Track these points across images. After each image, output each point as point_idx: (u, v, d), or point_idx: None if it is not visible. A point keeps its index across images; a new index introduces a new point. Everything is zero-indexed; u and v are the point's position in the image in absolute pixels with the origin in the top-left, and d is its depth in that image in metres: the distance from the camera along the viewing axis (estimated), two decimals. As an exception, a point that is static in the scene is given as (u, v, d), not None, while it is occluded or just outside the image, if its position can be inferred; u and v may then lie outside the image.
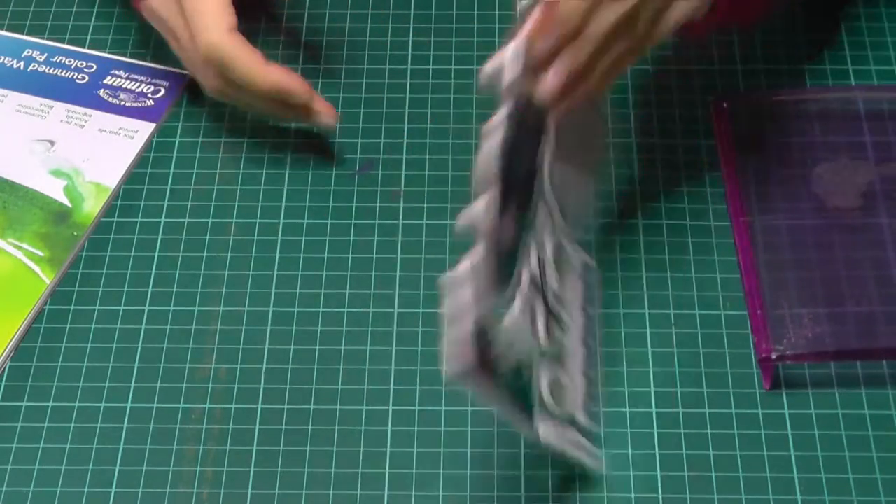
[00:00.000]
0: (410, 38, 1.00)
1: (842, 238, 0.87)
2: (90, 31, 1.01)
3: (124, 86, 0.98)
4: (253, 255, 0.89)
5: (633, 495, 0.79)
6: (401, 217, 0.91)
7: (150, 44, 1.00)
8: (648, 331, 0.85)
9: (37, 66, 1.00)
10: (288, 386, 0.83)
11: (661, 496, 0.78)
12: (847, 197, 0.89)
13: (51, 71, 0.99)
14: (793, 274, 0.85)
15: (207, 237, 0.90)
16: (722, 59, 0.98)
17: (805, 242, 0.87)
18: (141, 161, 0.94)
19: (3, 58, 1.00)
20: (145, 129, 0.96)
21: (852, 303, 0.84)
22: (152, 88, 0.98)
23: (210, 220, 0.91)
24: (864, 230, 0.87)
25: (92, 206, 0.92)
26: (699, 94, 0.96)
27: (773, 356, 0.81)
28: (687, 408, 0.82)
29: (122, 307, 0.87)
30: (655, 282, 0.87)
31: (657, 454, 0.80)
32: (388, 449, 0.81)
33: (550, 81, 0.74)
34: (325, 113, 0.91)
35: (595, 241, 0.89)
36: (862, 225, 0.87)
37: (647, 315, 0.86)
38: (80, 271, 0.89)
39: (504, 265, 0.70)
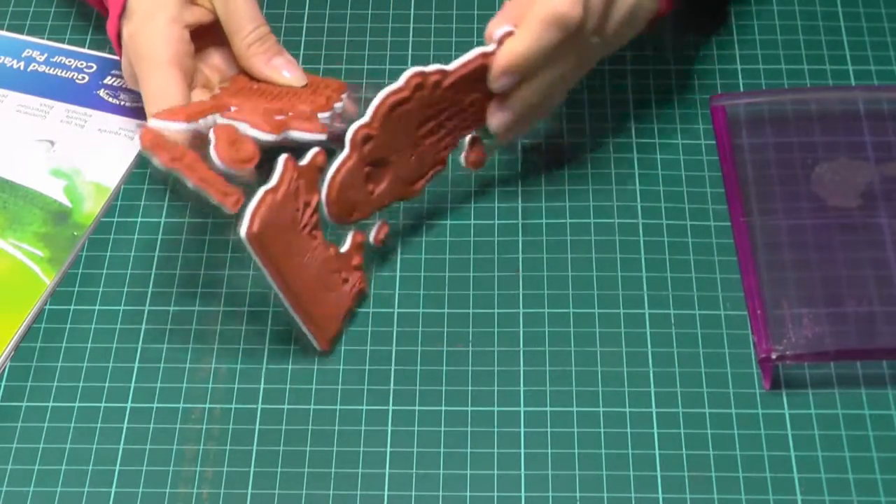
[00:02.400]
0: (410, 38, 1.00)
1: (842, 238, 0.87)
2: (90, 31, 1.01)
3: (124, 86, 0.98)
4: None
5: (632, 495, 0.79)
6: (400, 217, 0.91)
7: (150, 44, 1.00)
8: (648, 331, 0.85)
9: (37, 66, 1.00)
10: (288, 386, 0.83)
11: (661, 496, 0.78)
12: (847, 197, 0.89)
13: (51, 71, 0.99)
14: (793, 274, 0.85)
15: (207, 237, 0.90)
16: (722, 59, 0.98)
17: (805, 242, 0.87)
18: (141, 161, 0.94)
19: (3, 58, 1.00)
20: (145, 129, 0.96)
21: (852, 303, 0.84)
22: (152, 88, 0.98)
23: (210, 220, 0.91)
24: (864, 230, 0.87)
25: (92, 206, 0.92)
26: (699, 94, 0.96)
27: (773, 356, 0.81)
28: (687, 408, 0.82)
29: (122, 307, 0.87)
30: (655, 282, 0.87)
31: (657, 454, 0.80)
32: (388, 449, 0.81)
33: (500, 120, 0.86)
34: None
35: (594, 242, 0.89)
36: (862, 225, 0.87)
37: (646, 315, 0.86)
38: (80, 271, 0.89)
39: None
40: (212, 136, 0.78)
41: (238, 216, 0.78)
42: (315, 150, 0.82)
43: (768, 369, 0.82)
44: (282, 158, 0.80)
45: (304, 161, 0.81)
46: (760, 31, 1.00)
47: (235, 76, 0.91)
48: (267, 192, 0.79)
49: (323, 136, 0.85)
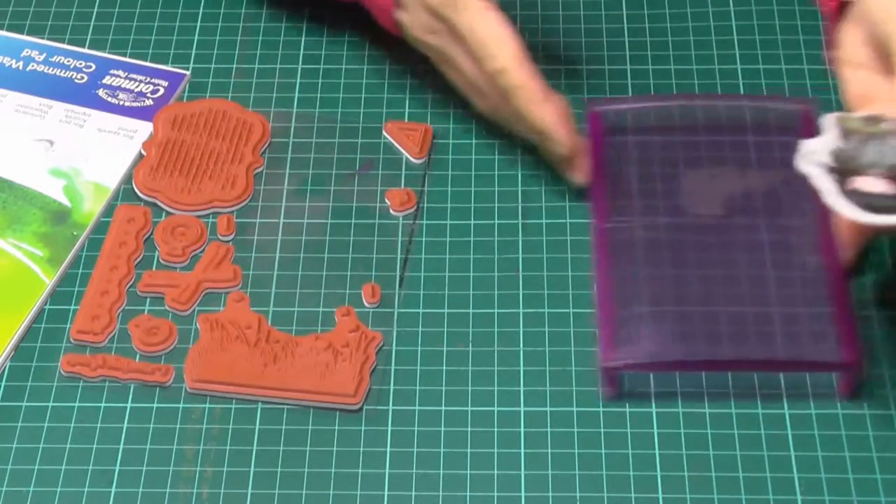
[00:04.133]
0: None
1: (697, 247, 0.85)
2: (90, 31, 1.01)
3: (123, 85, 0.98)
4: (253, 255, 0.89)
5: (632, 495, 0.79)
6: (400, 217, 0.91)
7: (149, 44, 1.00)
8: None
9: (35, 65, 0.99)
10: (288, 386, 0.83)
11: (660, 496, 0.78)
12: (709, 205, 0.87)
13: (50, 70, 0.99)
14: (647, 282, 0.84)
15: (207, 236, 0.90)
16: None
17: (661, 250, 0.85)
18: (140, 161, 0.94)
19: (1, 57, 1.00)
20: (144, 128, 0.95)
21: (701, 313, 0.82)
22: (151, 88, 0.98)
23: (210, 219, 0.91)
24: (720, 239, 0.85)
25: (91, 206, 0.92)
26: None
27: (616, 365, 0.80)
28: (687, 408, 0.82)
29: (126, 303, 0.87)
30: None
31: (657, 454, 0.80)
32: (389, 449, 0.81)
33: None
34: (578, 172, 0.89)
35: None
36: (719, 234, 0.86)
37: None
38: (79, 271, 0.89)
39: None
40: (131, 331, 0.85)
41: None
42: (232, 292, 0.87)
43: (612, 378, 0.81)
44: (197, 321, 0.85)
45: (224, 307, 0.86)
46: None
47: None
48: (192, 347, 0.84)
49: None
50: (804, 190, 0.77)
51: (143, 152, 0.94)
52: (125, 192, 0.92)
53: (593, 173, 0.89)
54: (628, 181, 0.89)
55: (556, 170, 0.91)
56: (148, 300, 0.87)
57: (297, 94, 0.97)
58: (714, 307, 0.82)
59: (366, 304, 0.87)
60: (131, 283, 0.88)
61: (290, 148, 0.94)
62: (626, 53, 0.99)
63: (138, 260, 0.89)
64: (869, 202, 0.74)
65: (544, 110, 0.87)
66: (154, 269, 0.88)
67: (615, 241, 0.86)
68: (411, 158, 0.93)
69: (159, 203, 0.91)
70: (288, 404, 0.82)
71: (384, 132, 0.95)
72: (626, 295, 0.83)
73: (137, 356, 0.84)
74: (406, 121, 0.95)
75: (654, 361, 0.81)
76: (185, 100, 0.97)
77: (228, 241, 0.90)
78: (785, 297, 0.83)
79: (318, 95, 0.97)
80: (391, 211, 0.91)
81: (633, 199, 0.88)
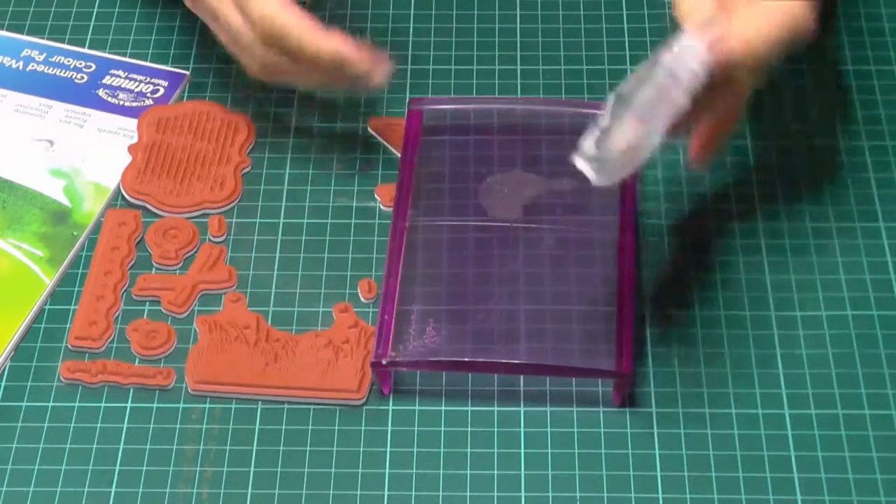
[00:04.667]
0: (410, 37, 1.00)
1: (483, 251, 0.85)
2: (90, 31, 1.01)
3: (123, 85, 0.98)
4: (253, 254, 0.89)
5: (632, 495, 0.79)
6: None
7: (149, 44, 1.00)
8: (648, 330, 0.85)
9: (35, 65, 0.99)
10: (288, 386, 0.83)
11: (661, 496, 0.78)
12: (509, 210, 0.87)
13: (49, 70, 0.99)
14: (431, 282, 0.84)
15: (207, 237, 0.90)
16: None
17: (445, 251, 0.85)
18: (140, 161, 0.94)
19: (1, 57, 1.00)
20: (145, 128, 0.96)
21: (476, 316, 0.82)
22: (151, 88, 0.98)
23: (209, 219, 0.91)
24: (509, 245, 0.85)
25: (91, 206, 0.92)
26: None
27: (384, 362, 0.81)
28: (687, 407, 0.82)
29: (122, 307, 0.87)
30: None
31: (657, 454, 0.80)
32: (388, 449, 0.81)
33: None
34: (378, 75, 0.87)
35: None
36: (511, 239, 0.85)
37: (647, 315, 0.85)
38: (79, 271, 0.89)
39: None
40: (129, 336, 0.85)
41: None
42: (228, 293, 0.87)
43: (384, 375, 0.81)
44: (195, 324, 0.85)
45: (221, 309, 0.86)
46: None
47: None
48: (192, 349, 0.84)
49: None
50: (595, 200, 0.75)
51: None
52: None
53: (403, 171, 0.89)
54: (433, 182, 0.88)
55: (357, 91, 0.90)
56: (145, 303, 0.87)
57: (296, 94, 0.97)
58: (488, 305, 0.83)
59: (362, 299, 0.87)
60: (126, 287, 0.88)
61: (290, 148, 0.94)
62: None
63: (131, 264, 0.89)
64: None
65: (328, 39, 0.85)
66: (148, 272, 0.88)
67: (409, 240, 0.86)
68: (396, 153, 0.93)
69: (148, 206, 0.91)
70: (291, 402, 0.82)
71: (369, 129, 0.94)
72: (408, 294, 0.83)
73: (136, 360, 0.84)
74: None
75: (422, 360, 0.81)
76: (184, 100, 0.97)
77: (220, 242, 0.90)
78: (561, 308, 0.83)
79: (318, 95, 0.97)
80: (382, 207, 0.91)
81: (434, 200, 0.88)
